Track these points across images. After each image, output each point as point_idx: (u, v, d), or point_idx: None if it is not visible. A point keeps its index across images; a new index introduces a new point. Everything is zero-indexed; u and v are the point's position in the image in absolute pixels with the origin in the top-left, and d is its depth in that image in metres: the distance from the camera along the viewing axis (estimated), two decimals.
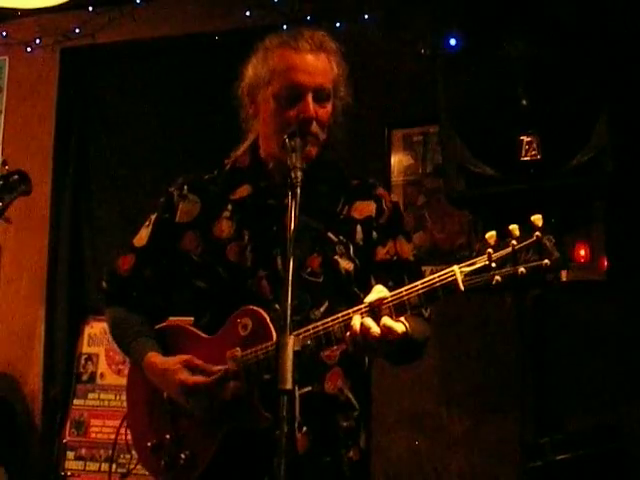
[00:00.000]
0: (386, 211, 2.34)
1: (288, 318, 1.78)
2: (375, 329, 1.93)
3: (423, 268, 2.41)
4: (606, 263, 3.87)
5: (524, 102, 3.32)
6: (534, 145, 3.29)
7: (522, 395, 3.61)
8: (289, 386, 1.70)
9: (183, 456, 2.24)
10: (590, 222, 3.90)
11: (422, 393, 4.09)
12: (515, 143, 3.32)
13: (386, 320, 1.94)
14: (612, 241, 3.88)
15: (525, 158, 3.31)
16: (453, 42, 3.51)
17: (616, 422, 3.48)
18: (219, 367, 2.16)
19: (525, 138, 3.30)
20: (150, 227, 2.43)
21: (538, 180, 3.32)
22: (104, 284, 2.50)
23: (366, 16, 4.32)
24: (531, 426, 3.56)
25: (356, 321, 1.96)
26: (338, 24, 4.26)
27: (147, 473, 2.38)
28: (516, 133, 3.32)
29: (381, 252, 2.31)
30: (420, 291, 1.93)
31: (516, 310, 3.69)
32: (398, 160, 4.34)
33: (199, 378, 2.16)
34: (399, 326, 1.95)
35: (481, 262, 1.85)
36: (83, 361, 4.75)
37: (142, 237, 2.44)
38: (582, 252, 3.89)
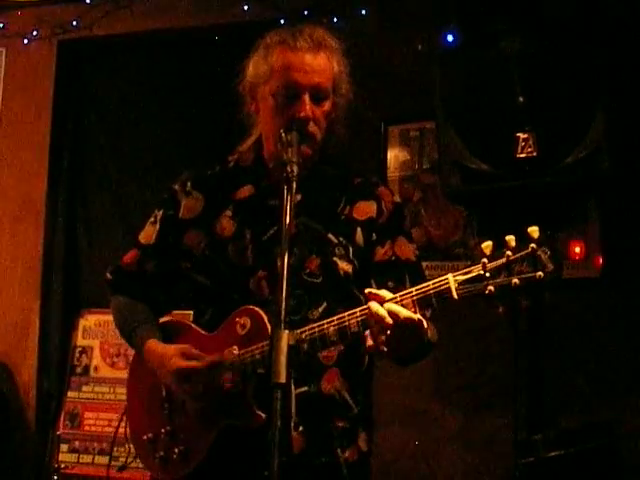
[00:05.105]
0: (385, 212, 2.34)
1: (282, 312, 1.77)
2: (405, 312, 1.89)
3: None
4: (601, 261, 3.87)
5: (520, 99, 3.32)
6: (530, 142, 3.29)
7: (515, 392, 3.61)
8: (282, 380, 1.69)
9: (177, 451, 2.26)
10: (585, 220, 3.91)
11: (416, 389, 4.10)
12: (511, 140, 3.32)
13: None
14: (607, 239, 3.88)
15: (521, 155, 3.30)
16: (450, 38, 3.50)
17: (608, 419, 3.49)
18: (215, 355, 2.17)
19: (521, 135, 3.30)
20: (157, 225, 2.44)
21: (534, 177, 3.32)
22: (108, 275, 2.53)
23: (363, 11, 4.32)
24: (524, 423, 3.56)
25: (378, 308, 1.90)
26: (335, 19, 4.26)
27: (143, 466, 2.40)
28: (512, 130, 3.32)
29: (380, 252, 2.30)
30: (415, 297, 1.93)
31: (510, 307, 3.69)
32: (394, 156, 4.34)
33: (194, 363, 2.18)
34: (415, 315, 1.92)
35: (476, 271, 1.87)
36: (77, 354, 4.75)
37: (149, 234, 2.46)
38: (577, 250, 3.90)
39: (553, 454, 3.19)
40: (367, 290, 1.99)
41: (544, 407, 3.58)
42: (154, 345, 2.31)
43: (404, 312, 1.89)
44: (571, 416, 3.69)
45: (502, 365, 3.84)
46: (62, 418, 4.67)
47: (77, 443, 4.62)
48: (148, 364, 2.32)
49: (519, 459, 3.24)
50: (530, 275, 1.82)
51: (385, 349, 1.93)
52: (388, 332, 1.90)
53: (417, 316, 1.91)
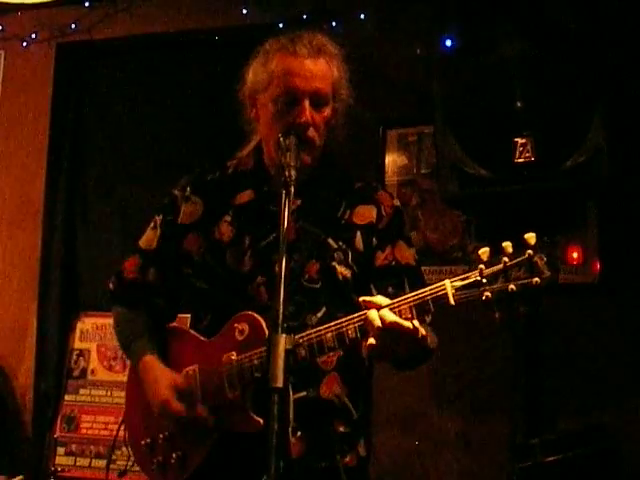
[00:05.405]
0: (385, 217, 2.34)
1: (280, 317, 1.77)
2: (391, 317, 1.91)
3: None
4: (599, 266, 3.87)
5: (519, 104, 3.32)
6: (528, 147, 3.29)
7: (513, 396, 3.61)
8: (280, 384, 1.70)
9: (174, 456, 2.26)
10: (584, 225, 3.91)
11: (413, 393, 4.09)
12: (509, 144, 3.32)
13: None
14: (605, 244, 3.88)
15: (519, 160, 3.31)
16: (448, 43, 3.51)
17: (606, 422, 3.49)
18: (200, 408, 2.20)
19: (519, 140, 3.31)
20: (158, 230, 2.44)
21: (532, 182, 3.33)
22: (110, 285, 2.52)
23: (362, 15, 4.32)
24: (522, 427, 3.56)
25: (374, 315, 1.93)
26: (334, 23, 4.26)
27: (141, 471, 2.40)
28: (510, 134, 3.33)
29: (380, 257, 2.31)
30: (411, 303, 1.93)
31: (507, 313, 3.69)
32: (392, 160, 4.34)
33: (179, 407, 2.21)
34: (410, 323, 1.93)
35: (472, 277, 1.88)
36: (74, 357, 4.74)
37: (150, 239, 2.46)
38: (575, 255, 3.90)
39: (551, 458, 3.19)
40: (361, 299, 1.99)
41: (542, 411, 3.58)
42: (152, 362, 2.32)
43: (391, 317, 1.90)
44: (569, 420, 3.69)
45: (500, 369, 3.84)
46: (59, 421, 4.65)
47: (74, 446, 4.61)
48: (143, 384, 2.33)
49: (517, 463, 3.25)
50: (527, 281, 1.84)
51: (375, 353, 1.94)
52: (378, 337, 1.91)
53: (409, 323, 1.91)
